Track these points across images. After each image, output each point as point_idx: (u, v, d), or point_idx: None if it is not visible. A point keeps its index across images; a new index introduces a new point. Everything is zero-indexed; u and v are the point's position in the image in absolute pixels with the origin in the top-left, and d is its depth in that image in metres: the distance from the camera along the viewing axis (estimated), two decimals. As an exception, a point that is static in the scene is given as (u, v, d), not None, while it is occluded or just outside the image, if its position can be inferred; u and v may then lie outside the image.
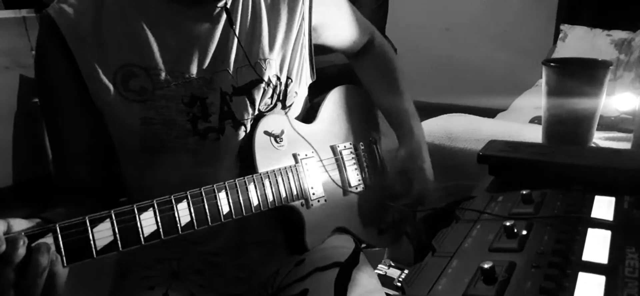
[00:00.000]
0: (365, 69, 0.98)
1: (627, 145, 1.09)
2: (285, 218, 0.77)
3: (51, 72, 0.71)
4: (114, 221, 0.55)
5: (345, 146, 0.87)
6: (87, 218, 0.54)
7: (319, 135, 0.84)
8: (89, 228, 0.54)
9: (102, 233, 0.54)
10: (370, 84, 0.97)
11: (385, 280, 1.34)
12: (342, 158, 0.85)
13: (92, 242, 0.54)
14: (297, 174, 0.76)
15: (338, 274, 0.77)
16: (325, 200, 0.79)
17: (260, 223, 0.76)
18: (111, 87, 0.70)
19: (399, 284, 1.32)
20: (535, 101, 2.22)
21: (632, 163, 0.65)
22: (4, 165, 2.82)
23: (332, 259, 0.81)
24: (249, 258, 0.81)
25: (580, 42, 2.56)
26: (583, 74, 0.90)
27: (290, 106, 0.82)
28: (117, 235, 0.55)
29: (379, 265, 1.41)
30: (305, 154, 0.79)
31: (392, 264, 1.41)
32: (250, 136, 0.75)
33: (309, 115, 0.88)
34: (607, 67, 0.89)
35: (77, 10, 0.70)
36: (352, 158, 0.87)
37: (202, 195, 0.62)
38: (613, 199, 0.57)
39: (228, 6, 0.73)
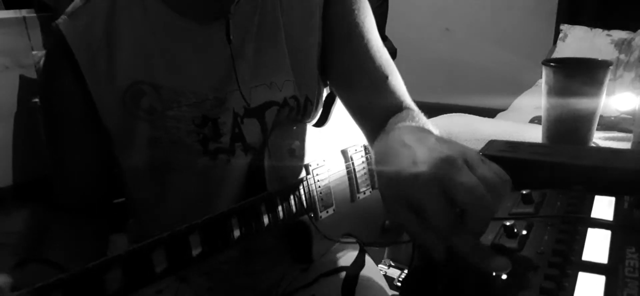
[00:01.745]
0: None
1: (627, 145, 1.09)
2: (292, 229, 0.75)
3: (58, 88, 0.68)
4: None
5: (356, 149, 0.84)
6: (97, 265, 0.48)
7: (330, 139, 0.81)
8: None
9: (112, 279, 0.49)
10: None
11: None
12: (353, 162, 0.82)
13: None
14: (308, 187, 0.72)
15: (345, 278, 0.76)
16: (334, 210, 0.76)
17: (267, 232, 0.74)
18: (120, 104, 0.67)
19: (399, 284, 1.32)
20: (535, 101, 2.23)
21: (632, 163, 0.65)
22: (4, 165, 2.83)
23: (338, 263, 0.80)
24: (255, 265, 0.80)
25: (580, 42, 2.56)
26: (583, 74, 0.90)
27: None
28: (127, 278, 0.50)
29: (379, 265, 1.40)
30: (317, 164, 0.75)
31: (392, 264, 1.41)
32: (262, 153, 0.71)
33: (320, 117, 0.84)
34: (607, 67, 0.88)
35: (88, 23, 0.67)
36: (363, 160, 0.85)
37: (213, 224, 0.58)
38: (613, 199, 0.57)
39: (229, 18, 0.67)
